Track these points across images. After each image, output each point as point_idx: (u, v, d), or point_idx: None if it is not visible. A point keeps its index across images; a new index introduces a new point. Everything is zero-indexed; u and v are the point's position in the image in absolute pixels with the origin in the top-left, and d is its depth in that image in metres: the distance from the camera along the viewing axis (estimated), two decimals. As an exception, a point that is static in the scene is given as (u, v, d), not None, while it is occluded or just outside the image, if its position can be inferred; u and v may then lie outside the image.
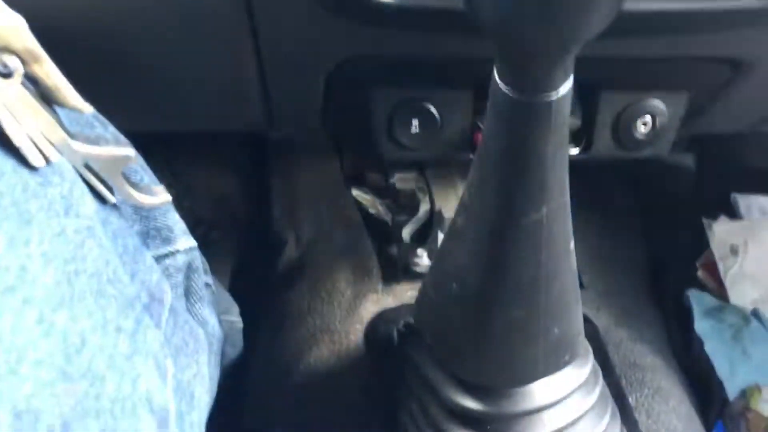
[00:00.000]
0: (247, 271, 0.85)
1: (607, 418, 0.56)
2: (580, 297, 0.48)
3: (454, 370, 0.51)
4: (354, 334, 0.73)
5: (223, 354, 0.66)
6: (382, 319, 0.73)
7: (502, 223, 0.39)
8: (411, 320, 0.59)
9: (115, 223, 0.38)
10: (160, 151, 0.82)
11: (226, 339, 0.67)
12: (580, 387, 0.52)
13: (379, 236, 0.82)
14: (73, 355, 0.31)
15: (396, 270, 0.79)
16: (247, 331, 0.75)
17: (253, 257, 0.87)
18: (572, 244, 0.43)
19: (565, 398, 0.52)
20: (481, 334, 0.46)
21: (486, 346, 0.47)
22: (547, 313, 0.44)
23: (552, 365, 0.49)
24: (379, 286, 0.77)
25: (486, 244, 0.41)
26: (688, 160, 0.92)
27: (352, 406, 0.66)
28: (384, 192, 0.84)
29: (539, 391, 0.51)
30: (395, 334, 0.67)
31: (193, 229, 0.74)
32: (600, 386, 0.55)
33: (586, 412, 0.53)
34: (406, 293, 0.77)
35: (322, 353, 0.71)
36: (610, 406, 0.57)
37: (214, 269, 0.73)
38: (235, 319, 0.71)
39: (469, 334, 0.47)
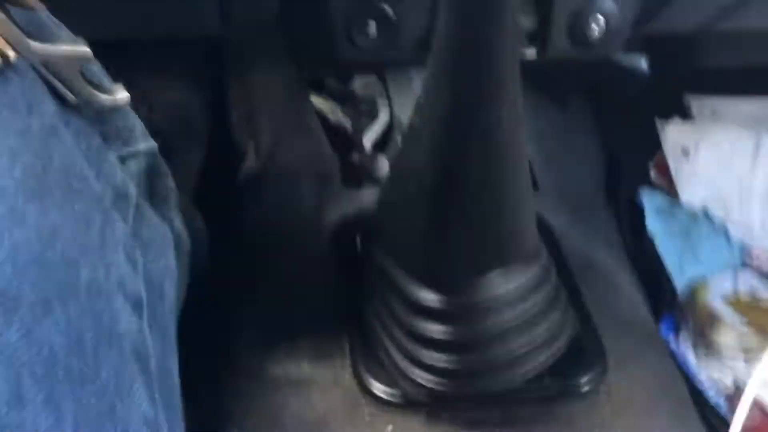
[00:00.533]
0: (209, 181, 0.85)
1: (559, 310, 0.59)
2: (533, 196, 0.49)
3: (414, 267, 0.53)
4: (318, 241, 0.74)
5: (189, 266, 0.67)
6: (345, 224, 0.75)
7: (458, 122, 0.40)
8: (373, 224, 0.60)
9: (77, 123, 0.39)
10: (114, 61, 0.80)
11: (193, 251, 0.68)
12: (533, 279, 0.55)
13: (340, 143, 0.82)
14: (47, 243, 0.32)
15: (357, 177, 0.80)
16: (210, 242, 0.76)
17: (214, 167, 0.87)
18: (525, 143, 0.44)
19: (518, 290, 0.54)
20: (438, 231, 0.47)
21: (443, 243, 0.49)
22: (501, 210, 0.46)
23: (506, 258, 0.51)
24: (342, 194, 0.78)
25: (442, 144, 0.42)
26: (641, 62, 0.93)
27: (318, 309, 0.68)
28: (344, 98, 0.84)
29: (495, 282, 0.53)
30: (358, 239, 0.69)
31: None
32: (553, 279, 0.58)
33: (539, 304, 0.56)
34: (369, 200, 0.79)
35: (287, 259, 0.72)
36: (563, 298, 0.60)
37: (176, 179, 0.74)
38: (200, 227, 0.72)
39: (426, 231, 0.48)
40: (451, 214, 0.47)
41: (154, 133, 0.76)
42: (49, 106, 0.36)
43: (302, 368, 0.63)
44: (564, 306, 0.60)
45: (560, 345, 0.61)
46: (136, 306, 0.37)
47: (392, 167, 0.52)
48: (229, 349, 0.66)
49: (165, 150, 0.74)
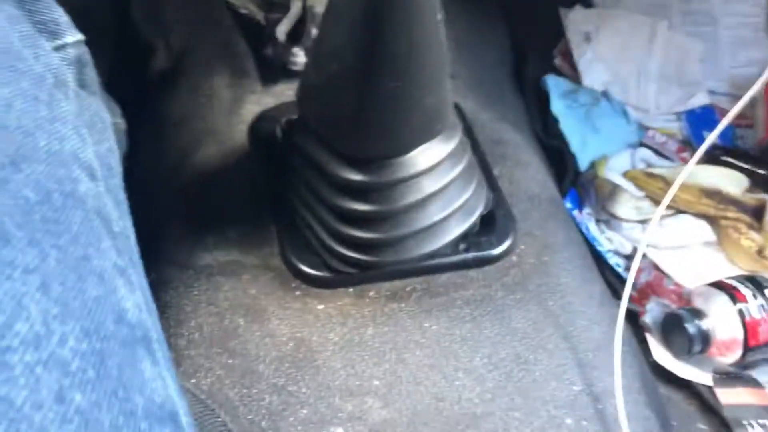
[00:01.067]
0: (121, 79, 0.84)
1: (473, 185, 0.63)
2: (447, 67, 0.52)
3: (338, 147, 0.55)
4: (238, 134, 0.75)
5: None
6: (264, 117, 0.75)
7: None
8: (293, 117, 0.62)
9: (9, 10, 0.39)
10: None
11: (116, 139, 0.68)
12: (450, 155, 0.58)
13: (253, 37, 0.82)
14: (3, 113, 0.33)
15: (273, 70, 0.80)
16: (133, 139, 0.76)
17: (124, 65, 0.85)
18: (440, 16, 0.46)
19: (437, 165, 0.58)
20: (362, 108, 0.50)
21: (367, 120, 0.51)
22: (420, 84, 0.48)
23: (426, 134, 0.54)
24: (258, 87, 0.79)
25: (361, 20, 0.44)
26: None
27: (243, 199, 0.70)
28: (253, -9, 0.83)
29: (415, 160, 0.56)
30: (278, 129, 0.71)
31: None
32: (468, 156, 0.61)
33: (456, 178, 0.60)
34: (285, 92, 0.79)
35: (208, 153, 0.73)
36: (477, 174, 0.64)
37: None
38: (119, 120, 0.72)
39: (350, 109, 0.50)
40: (375, 91, 0.49)
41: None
42: None
43: (232, 255, 0.66)
44: (478, 180, 0.64)
45: (474, 218, 0.65)
46: (91, 175, 0.39)
47: (313, 50, 0.53)
48: (157, 242, 0.67)
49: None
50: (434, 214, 0.60)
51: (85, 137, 0.40)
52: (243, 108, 0.77)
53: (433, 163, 0.57)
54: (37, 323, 0.28)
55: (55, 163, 0.35)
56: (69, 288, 0.30)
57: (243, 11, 0.82)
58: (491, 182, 0.72)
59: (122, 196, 0.44)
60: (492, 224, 0.69)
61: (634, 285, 0.85)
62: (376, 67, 0.47)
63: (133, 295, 0.36)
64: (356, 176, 0.57)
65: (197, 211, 0.69)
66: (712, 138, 0.59)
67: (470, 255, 0.67)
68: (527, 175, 0.75)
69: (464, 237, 0.67)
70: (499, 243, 0.68)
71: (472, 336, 0.62)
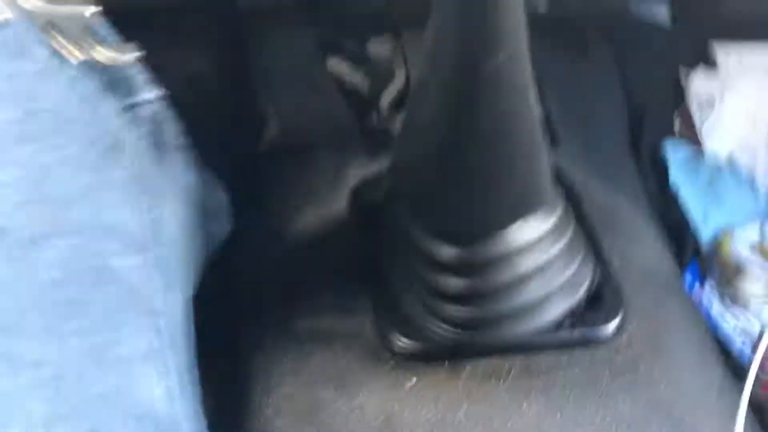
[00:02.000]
0: (229, 150, 0.87)
1: (578, 261, 0.59)
2: (546, 147, 0.50)
3: (430, 223, 0.54)
4: (339, 200, 0.75)
5: (210, 233, 0.69)
6: (365, 184, 0.75)
7: (460, 72, 0.41)
8: (390, 183, 0.61)
9: (72, 70, 0.39)
10: (123, 31, 0.82)
11: (212, 216, 0.70)
12: (551, 230, 0.55)
13: (358, 106, 0.83)
14: (39, 183, 0.32)
15: (376, 139, 0.81)
16: (232, 210, 0.78)
17: (232, 136, 0.88)
18: (533, 93, 0.45)
19: (536, 241, 0.55)
20: (450, 187, 0.48)
21: (455, 196, 0.49)
22: (513, 162, 0.46)
23: (520, 210, 0.52)
24: (362, 154, 0.79)
25: (446, 94, 0.43)
26: (662, 11, 0.92)
27: (340, 268, 0.69)
28: (360, 60, 0.84)
29: (511, 236, 0.54)
30: (379, 196, 0.70)
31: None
32: (571, 230, 0.58)
33: (558, 254, 0.57)
34: (388, 161, 0.79)
35: (309, 221, 0.74)
36: (582, 249, 0.61)
37: (197, 152, 0.75)
38: (221, 198, 0.74)
39: (439, 188, 0.49)
40: (461, 169, 0.47)
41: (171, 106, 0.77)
42: (43, 51, 0.36)
43: (324, 323, 0.65)
44: (583, 256, 0.61)
45: (580, 294, 0.61)
46: (135, 246, 0.37)
47: (403, 124, 0.53)
48: (252, 306, 0.68)
49: (182, 123, 0.76)
50: (534, 291, 0.57)
51: (136, 203, 0.38)
52: (344, 176, 0.77)
53: (531, 240, 0.54)
54: (37, 427, 0.25)
55: (90, 235, 0.34)
56: (84, 380, 0.28)
57: (348, 81, 0.84)
58: (600, 257, 0.68)
59: (176, 266, 0.42)
60: (600, 301, 0.65)
61: (763, 371, 0.77)
62: (461, 143, 0.46)
63: (166, 380, 0.34)
64: (447, 252, 0.55)
65: (293, 277, 0.69)
66: None
67: (575, 333, 0.63)
68: (640, 249, 0.71)
69: (570, 314, 0.63)
70: (607, 321, 0.63)
71: (573, 421, 0.58)
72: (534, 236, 0.55)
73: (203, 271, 0.66)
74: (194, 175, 0.52)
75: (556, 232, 0.56)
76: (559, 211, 0.57)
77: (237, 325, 0.68)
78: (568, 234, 0.58)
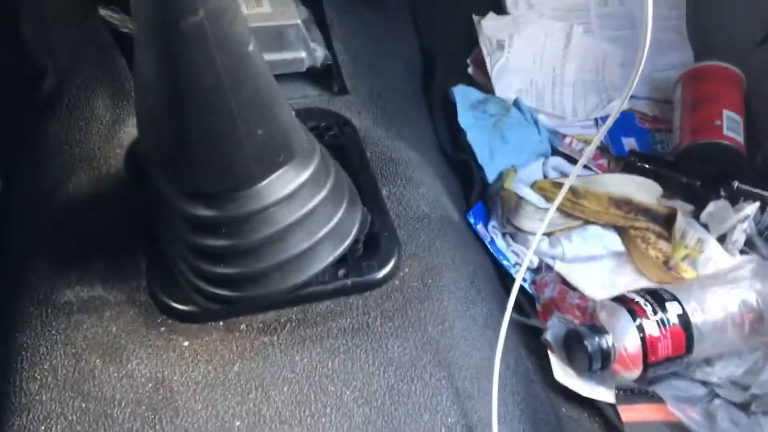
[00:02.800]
0: (4, 101, 0.81)
1: (341, 210, 0.60)
2: (282, 96, 0.49)
3: (177, 181, 0.53)
4: (114, 159, 0.72)
5: None
6: (139, 141, 0.72)
7: (163, 29, 0.40)
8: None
9: None
10: None
11: None
12: (307, 183, 0.56)
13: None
14: None
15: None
16: (7, 165, 0.73)
17: (7, 88, 0.82)
18: (252, 46, 0.44)
19: (291, 195, 0.55)
20: (184, 142, 0.47)
21: (193, 154, 0.48)
22: (243, 117, 0.46)
23: (267, 166, 0.52)
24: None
25: (157, 52, 0.42)
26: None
27: (113, 229, 0.67)
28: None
29: (263, 191, 0.54)
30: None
31: None
32: (331, 180, 0.59)
33: (318, 206, 0.57)
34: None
35: (82, 181, 0.70)
36: (347, 197, 0.61)
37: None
38: None
39: (174, 143, 0.48)
40: (191, 124, 0.46)
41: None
42: None
43: (95, 290, 0.63)
44: (348, 204, 0.62)
45: (347, 243, 0.62)
46: None
47: (134, 80, 0.50)
48: (18, 277, 0.64)
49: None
50: (297, 244, 0.58)
51: None
52: (121, 131, 0.74)
53: (285, 194, 0.55)
54: None
55: None
56: None
57: (124, 30, 0.79)
58: (377, 204, 0.69)
59: None
60: (375, 248, 0.67)
61: (538, 300, 0.83)
62: (184, 100, 0.44)
63: None
64: (202, 211, 0.54)
65: (63, 243, 0.66)
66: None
67: (349, 281, 0.64)
68: (417, 194, 0.73)
69: (344, 262, 0.65)
70: (381, 267, 0.66)
71: (344, 368, 0.60)
72: (289, 190, 0.55)
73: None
74: None
75: (313, 183, 0.57)
76: (315, 163, 0.57)
77: (4, 298, 0.65)
78: (328, 185, 0.58)
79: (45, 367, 0.58)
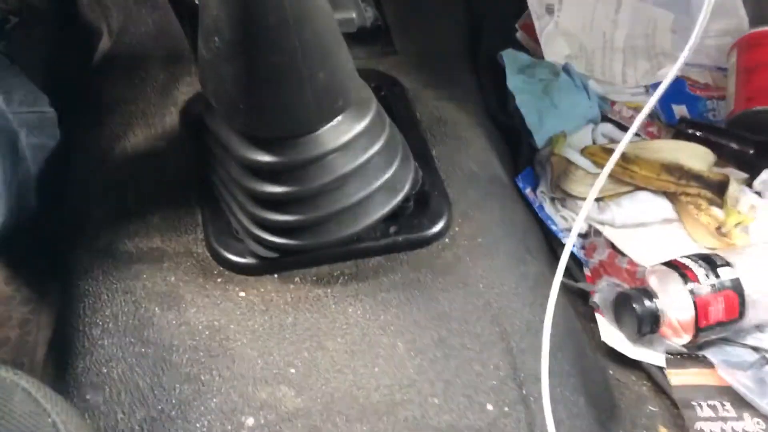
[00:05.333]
0: (62, 62, 0.83)
1: (396, 163, 0.61)
2: (342, 41, 0.50)
3: (238, 126, 0.53)
4: (169, 116, 0.73)
5: (38, 144, 0.66)
6: (195, 99, 0.74)
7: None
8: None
9: None
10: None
11: (39, 129, 0.67)
12: (364, 133, 0.56)
13: (189, 18, 0.80)
14: None
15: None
16: (66, 122, 0.75)
17: (66, 48, 0.84)
18: None
19: (349, 144, 0.55)
20: (248, 84, 0.48)
21: (255, 97, 0.49)
22: (306, 58, 0.46)
23: (326, 111, 0.52)
24: (192, 68, 0.77)
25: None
26: None
27: (169, 182, 0.68)
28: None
29: (322, 138, 0.54)
30: (202, 110, 0.69)
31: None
32: (386, 134, 0.59)
33: (373, 157, 0.58)
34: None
35: (138, 137, 0.72)
36: (400, 152, 0.62)
37: (21, 60, 0.71)
38: (46, 109, 0.71)
39: (238, 86, 0.49)
40: (257, 66, 0.47)
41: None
42: None
43: (154, 242, 0.64)
44: (402, 158, 0.62)
45: (400, 196, 0.63)
46: None
47: (199, 24, 0.51)
48: (81, 228, 0.66)
49: (1, 27, 0.71)
50: (353, 193, 0.58)
51: None
52: (176, 90, 0.75)
53: (343, 142, 0.55)
54: None
55: None
56: None
57: (177, -9, 0.80)
58: (428, 162, 0.70)
59: None
60: (425, 206, 0.67)
61: (587, 264, 0.83)
62: (251, 40, 0.45)
63: None
64: (262, 157, 0.55)
65: (121, 196, 0.67)
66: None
67: (400, 237, 0.65)
68: (468, 154, 0.73)
69: (395, 219, 0.65)
70: (432, 225, 0.66)
71: (397, 321, 0.61)
72: (346, 138, 0.55)
73: (30, 188, 0.64)
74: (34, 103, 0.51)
75: (370, 134, 0.57)
76: (371, 114, 0.57)
77: (66, 248, 0.66)
78: (384, 137, 0.59)
79: (106, 313, 0.60)
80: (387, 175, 0.60)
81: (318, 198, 0.58)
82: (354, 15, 0.80)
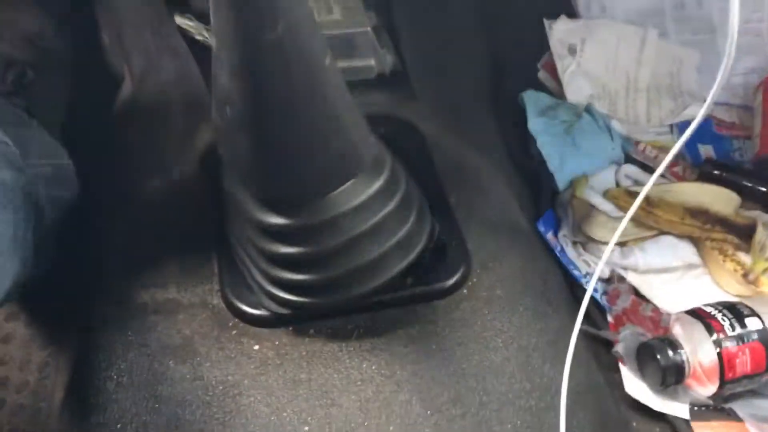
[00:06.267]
0: (81, 108, 0.84)
1: (411, 219, 0.60)
2: (355, 109, 0.50)
3: (250, 188, 0.53)
4: (188, 163, 0.74)
5: (56, 197, 0.67)
6: (214, 147, 0.74)
7: (242, 43, 0.40)
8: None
9: None
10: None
11: (57, 181, 0.68)
12: (377, 194, 0.56)
13: (208, 64, 0.80)
14: None
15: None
16: (84, 170, 0.75)
17: (85, 94, 0.85)
18: (328, 60, 0.44)
19: (362, 205, 0.55)
20: (260, 153, 0.48)
21: (267, 164, 0.49)
22: (318, 127, 0.46)
23: (339, 177, 0.52)
24: (211, 115, 0.77)
25: (236, 66, 0.42)
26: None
27: (187, 233, 0.68)
28: (209, 18, 0.81)
29: (334, 201, 0.54)
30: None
31: (5, 71, 0.71)
32: (401, 191, 0.59)
33: (388, 216, 0.57)
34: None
35: (157, 184, 0.72)
36: (416, 208, 0.61)
37: (39, 111, 0.72)
38: (64, 161, 0.71)
39: (250, 154, 0.49)
40: (267, 136, 0.47)
41: (7, 63, 0.74)
42: None
43: (170, 293, 0.64)
44: (418, 213, 0.62)
45: (416, 251, 0.62)
46: None
47: (212, 92, 0.51)
48: (98, 278, 0.66)
49: (20, 80, 0.72)
50: (366, 253, 0.58)
51: None
52: (196, 137, 0.75)
53: (356, 204, 0.55)
54: None
55: None
56: None
57: (198, 38, 0.81)
58: (445, 211, 0.69)
59: None
60: (443, 256, 0.66)
61: (610, 311, 0.81)
62: (262, 112, 0.45)
63: None
64: (275, 219, 0.55)
65: (138, 245, 0.67)
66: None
67: (417, 289, 0.64)
68: (487, 202, 0.72)
69: (411, 271, 0.65)
70: (449, 276, 0.65)
71: (412, 377, 0.60)
72: (359, 200, 0.55)
73: (49, 239, 0.65)
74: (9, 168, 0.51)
75: (383, 194, 0.57)
76: (386, 173, 0.57)
77: (83, 296, 0.67)
78: (398, 195, 0.58)
79: (121, 367, 0.60)
80: (401, 233, 0.59)
81: (331, 258, 0.57)
82: (373, 62, 0.80)
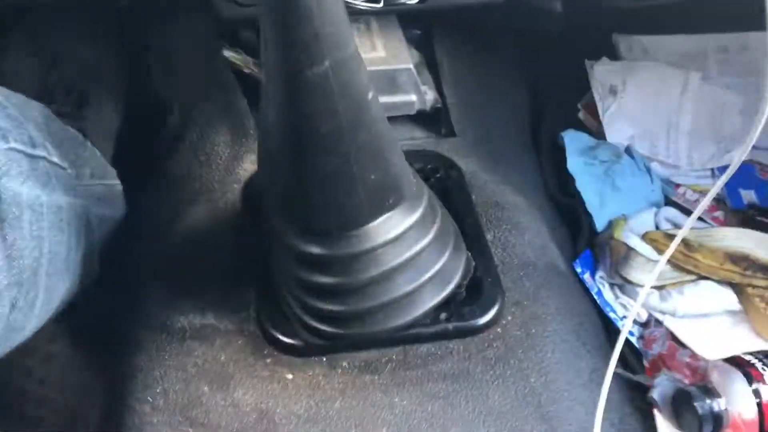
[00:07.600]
0: (131, 136, 0.86)
1: (447, 254, 0.61)
2: (395, 142, 0.51)
3: (290, 218, 0.55)
4: (231, 193, 0.75)
5: (105, 216, 0.69)
6: (257, 177, 0.76)
7: (289, 78, 0.41)
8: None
9: None
10: (22, 23, 0.81)
11: (107, 201, 0.70)
12: (414, 226, 0.56)
13: (255, 97, 0.83)
14: None
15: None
16: (131, 195, 0.78)
17: (136, 122, 0.87)
18: (371, 94, 0.45)
19: (399, 238, 0.56)
20: (300, 185, 0.49)
21: (308, 195, 0.50)
22: (359, 161, 0.47)
23: (377, 209, 0.53)
24: (255, 146, 0.79)
25: (281, 100, 0.44)
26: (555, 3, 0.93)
27: (226, 259, 0.70)
28: (257, 51, 0.84)
29: (372, 233, 0.55)
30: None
31: (65, 97, 0.74)
32: (437, 225, 0.59)
33: (423, 249, 0.58)
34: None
35: (199, 213, 0.74)
36: (452, 242, 0.62)
37: (94, 136, 0.75)
38: (114, 182, 0.74)
39: (291, 185, 0.50)
40: (309, 169, 0.48)
41: (67, 90, 0.77)
42: None
43: (207, 319, 0.65)
44: (453, 248, 0.62)
45: (451, 286, 0.62)
46: None
47: (259, 125, 0.53)
48: (137, 302, 0.68)
49: (79, 106, 0.75)
50: (402, 286, 0.58)
51: None
52: (240, 167, 0.77)
53: (393, 236, 0.55)
54: None
55: None
56: None
57: (246, 71, 0.83)
58: (482, 249, 0.69)
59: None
60: (478, 293, 0.66)
61: (646, 356, 0.80)
62: (304, 146, 0.46)
63: None
64: (312, 249, 0.56)
65: (179, 271, 0.69)
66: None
67: (450, 326, 0.64)
68: (524, 240, 0.72)
69: (446, 306, 0.65)
70: (483, 313, 0.65)
71: (443, 414, 0.60)
72: (396, 233, 0.56)
73: (94, 258, 0.67)
74: (41, 187, 0.54)
75: (420, 227, 0.57)
76: (422, 207, 0.58)
77: (122, 319, 0.68)
78: (434, 229, 0.59)
79: (157, 390, 0.61)
80: (437, 267, 0.60)
81: (366, 289, 0.58)
82: (414, 98, 0.81)
